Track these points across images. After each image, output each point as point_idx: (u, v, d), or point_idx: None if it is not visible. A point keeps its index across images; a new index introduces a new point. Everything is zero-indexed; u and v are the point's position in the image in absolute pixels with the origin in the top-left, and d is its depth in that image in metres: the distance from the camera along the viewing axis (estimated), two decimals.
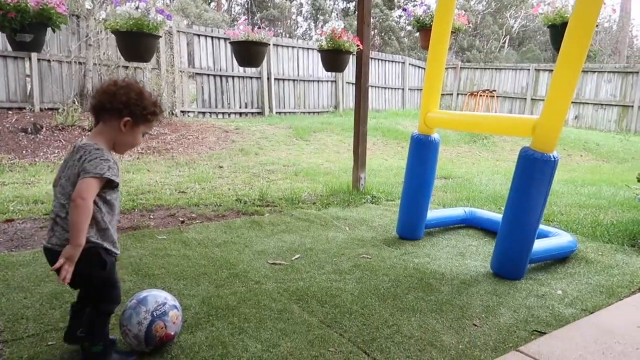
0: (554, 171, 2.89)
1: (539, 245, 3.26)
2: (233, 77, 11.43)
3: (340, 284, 2.88)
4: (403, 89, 15.95)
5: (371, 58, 14.86)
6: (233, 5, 36.80)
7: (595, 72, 14.84)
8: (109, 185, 1.82)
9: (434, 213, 4.13)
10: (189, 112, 10.68)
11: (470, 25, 5.04)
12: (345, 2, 33.27)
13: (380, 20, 29.94)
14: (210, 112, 11.10)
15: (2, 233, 3.54)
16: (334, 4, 34.16)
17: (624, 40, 25.56)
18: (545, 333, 2.39)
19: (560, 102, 2.77)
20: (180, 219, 4.06)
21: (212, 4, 34.18)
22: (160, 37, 3.95)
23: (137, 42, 3.79)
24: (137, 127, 1.88)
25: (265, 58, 11.74)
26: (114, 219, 1.91)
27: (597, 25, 3.54)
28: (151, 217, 4.11)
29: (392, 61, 15.69)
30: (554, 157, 2.84)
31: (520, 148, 2.99)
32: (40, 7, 2.94)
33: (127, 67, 9.49)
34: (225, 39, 10.97)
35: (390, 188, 5.66)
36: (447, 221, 4.20)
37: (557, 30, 3.60)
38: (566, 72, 2.73)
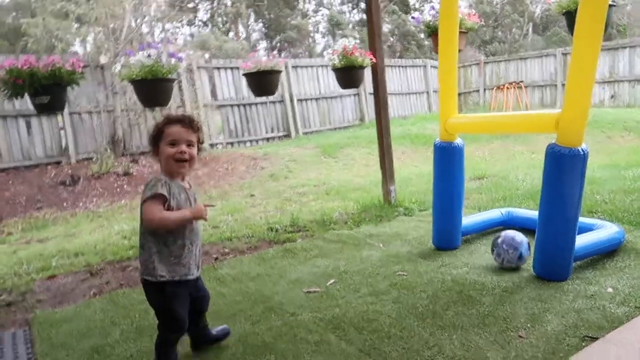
0: (585, 165, 2.75)
1: (582, 240, 3.11)
2: (256, 104, 11.59)
3: (377, 307, 2.81)
4: (427, 92, 15.77)
5: (391, 66, 14.80)
6: (251, 32, 37.58)
7: (627, 47, 14.23)
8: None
9: (469, 219, 4.01)
10: (217, 144, 10.88)
11: (482, 22, 4.95)
12: (360, 13, 33.39)
13: (399, 26, 29.86)
14: (237, 142, 11.27)
15: (46, 290, 3.65)
16: (350, 16, 34.38)
17: None
18: (597, 338, 2.26)
19: (581, 92, 2.65)
20: (214, 255, 4.09)
21: (231, 33, 35.01)
22: (175, 79, 4.04)
23: (153, 88, 3.88)
24: (160, 145, 2.14)
25: (286, 80, 11.94)
26: (179, 247, 2.14)
27: (614, 5, 3.39)
28: None
29: (413, 66, 15.57)
30: (583, 151, 2.70)
31: (547, 145, 2.87)
32: (51, 69, 3.06)
33: (153, 110, 9.77)
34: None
35: (423, 197, 5.54)
36: (484, 225, 4.07)
37: (573, 16, 3.46)
38: (582, 59, 2.61)
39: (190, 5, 30.89)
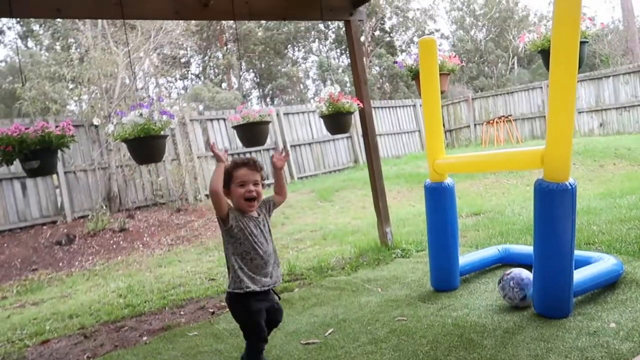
0: (574, 199, 2.75)
1: (581, 274, 3.07)
2: (250, 152, 11.68)
3: (376, 356, 2.74)
4: (419, 131, 15.97)
5: (381, 107, 15.06)
6: (243, 82, 38.37)
7: (610, 76, 14.57)
8: (229, 232, 2.44)
9: (466, 258, 3.97)
10: None
11: (463, 63, 5.07)
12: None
13: (388, 67, 30.59)
14: None
15: (38, 356, 3.56)
16: (339, 61, 35.24)
17: (633, 38, 25.20)
18: None
19: (562, 128, 2.69)
20: (211, 310, 4.02)
21: (223, 84, 35.74)
22: (167, 136, 4.08)
23: (145, 146, 3.92)
24: (231, 188, 2.50)
25: (278, 127, 12.10)
26: (252, 264, 2.46)
27: (587, 41, 3.49)
28: (182, 313, 4.08)
29: (403, 106, 15.85)
30: (571, 185, 2.72)
31: (535, 181, 2.88)
32: (40, 134, 3.10)
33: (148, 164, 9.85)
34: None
35: (420, 236, 5.51)
36: (482, 264, 4.03)
37: (548, 53, 3.56)
38: (560, 96, 2.67)
39: (183, 60, 31.68)
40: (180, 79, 32.76)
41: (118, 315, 4.24)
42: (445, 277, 3.69)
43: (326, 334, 3.18)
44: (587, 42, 3.45)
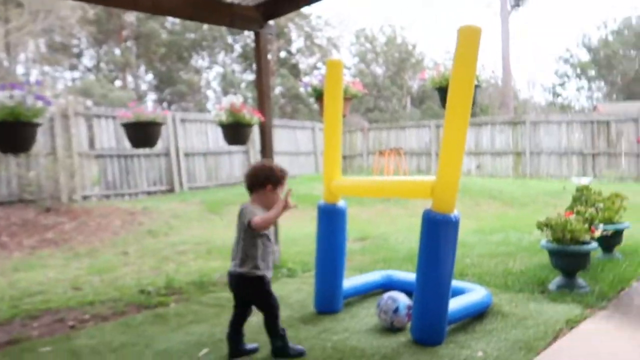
0: (457, 230, 2.89)
1: (455, 304, 3.21)
2: (139, 156, 11.00)
3: None
4: (315, 153, 16.24)
5: (281, 126, 15.10)
6: (140, 83, 36.47)
7: (489, 124, 16.10)
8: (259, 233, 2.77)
9: (350, 281, 3.99)
10: (90, 196, 10.02)
11: (366, 91, 5.22)
12: (254, 74, 34.22)
13: (290, 89, 30.97)
14: (115, 194, 10.49)
15: None
16: (243, 75, 34.98)
17: (509, 94, 28.26)
18: None
19: (452, 163, 2.82)
20: (70, 323, 3.58)
21: (118, 82, 33.65)
22: (40, 124, 3.63)
23: (12, 132, 3.48)
24: (276, 189, 2.85)
25: (172, 133, 11.55)
26: (269, 256, 2.88)
27: (479, 86, 3.75)
28: (34, 325, 3.58)
29: (302, 128, 16.04)
30: (455, 218, 2.85)
31: (423, 211, 2.98)
32: None
33: (17, 155, 8.80)
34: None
35: (308, 257, 5.47)
36: (365, 288, 4.07)
37: (444, 92, 3.76)
38: (453, 133, 2.80)
39: (75, 50, 29.36)
40: (70, 70, 30.24)
41: None
42: (329, 300, 3.67)
43: (200, 354, 2.97)
44: (480, 86, 3.70)
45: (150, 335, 3.31)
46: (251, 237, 2.78)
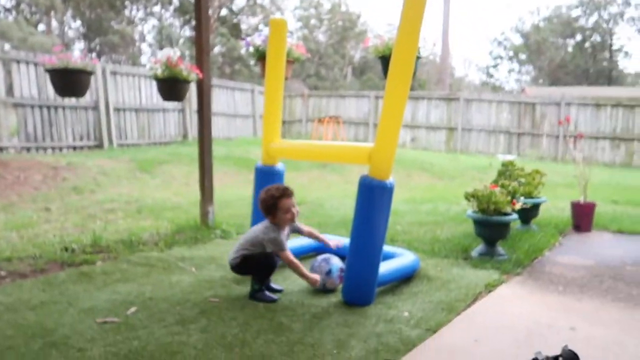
0: (391, 196, 2.97)
1: (385, 267, 3.32)
2: (64, 107, 10.29)
3: (182, 337, 2.57)
4: (254, 117, 15.98)
5: (219, 86, 14.65)
6: (67, 30, 33.89)
7: (425, 99, 16.53)
8: None
9: (302, 240, 4.03)
10: (8, 147, 9.31)
11: (309, 55, 5.15)
12: (192, 30, 32.78)
13: (229, 49, 30.01)
14: (36, 147, 9.80)
15: None
16: (181, 31, 33.41)
17: (446, 72, 29.06)
18: None
19: (391, 130, 2.87)
20: None
21: (41, 26, 31.07)
22: None
23: None
24: (277, 214, 3.14)
25: (102, 86, 10.89)
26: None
27: (420, 58, 3.81)
28: None
29: (241, 89, 15.67)
30: (390, 184, 2.92)
31: (360, 176, 3.03)
32: None
33: None
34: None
35: (243, 220, 5.44)
36: (300, 251, 4.11)
37: (387, 61, 3.79)
38: (393, 100, 2.83)
39: None
40: None
41: None
42: None
43: (128, 312, 2.89)
44: (420, 58, 3.76)
45: (73, 294, 3.18)
46: (263, 249, 3.16)
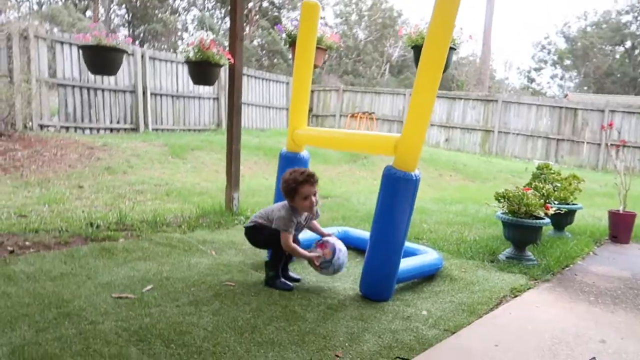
0: (416, 189, 2.86)
1: (406, 264, 3.22)
2: (103, 90, 10.54)
3: (193, 318, 2.55)
4: (287, 109, 15.99)
5: (255, 77, 14.73)
6: (113, 17, 34.78)
7: (462, 99, 16.17)
8: None
9: (306, 234, 3.95)
10: (49, 126, 9.59)
11: (342, 45, 5.05)
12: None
13: (269, 42, 30.15)
14: (75, 127, 10.08)
15: None
16: (222, 23, 33.78)
17: (486, 73, 28.35)
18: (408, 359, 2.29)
19: (419, 122, 2.76)
20: (10, 248, 3.44)
21: (89, 12, 31.96)
22: None
23: None
24: (295, 198, 3.05)
25: (141, 70, 11.08)
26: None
27: (454, 49, 3.67)
28: None
29: (277, 81, 15.70)
30: (415, 176, 2.81)
31: (384, 167, 2.93)
32: None
33: None
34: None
35: None
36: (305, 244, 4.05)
37: (419, 50, 3.67)
38: (423, 91, 2.73)
39: None
40: None
41: None
42: None
43: (144, 290, 2.89)
44: (455, 49, 3.62)
45: (93, 268, 3.21)
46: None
